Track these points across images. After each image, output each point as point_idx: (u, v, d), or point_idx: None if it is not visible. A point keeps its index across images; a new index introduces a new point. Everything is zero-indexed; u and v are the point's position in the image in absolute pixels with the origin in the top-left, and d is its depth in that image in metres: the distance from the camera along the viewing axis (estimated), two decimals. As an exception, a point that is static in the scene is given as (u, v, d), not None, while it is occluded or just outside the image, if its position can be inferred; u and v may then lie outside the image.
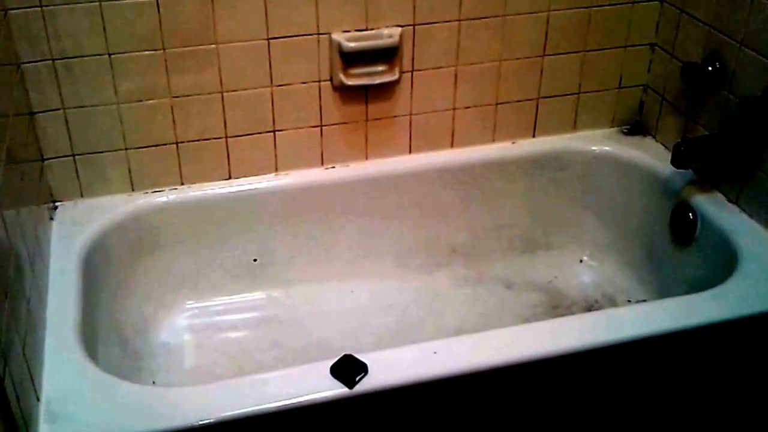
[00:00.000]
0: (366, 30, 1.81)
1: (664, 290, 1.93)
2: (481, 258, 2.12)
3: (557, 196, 2.11)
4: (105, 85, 1.71)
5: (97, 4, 1.63)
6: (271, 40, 1.77)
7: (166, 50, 1.71)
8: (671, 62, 1.96)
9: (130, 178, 1.83)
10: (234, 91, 1.80)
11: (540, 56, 1.96)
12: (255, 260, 1.98)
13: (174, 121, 1.79)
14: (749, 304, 1.54)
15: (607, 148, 2.07)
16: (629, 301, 2.01)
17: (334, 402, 1.33)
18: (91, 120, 1.74)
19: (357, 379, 1.34)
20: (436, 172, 2.01)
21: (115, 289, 1.78)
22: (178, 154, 1.84)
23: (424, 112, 1.95)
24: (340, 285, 2.04)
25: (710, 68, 1.80)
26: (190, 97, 1.78)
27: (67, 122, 1.73)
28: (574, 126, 2.09)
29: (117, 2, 1.64)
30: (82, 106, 1.72)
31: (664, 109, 2.03)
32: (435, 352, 1.41)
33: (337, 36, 1.79)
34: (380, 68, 1.86)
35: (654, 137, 2.08)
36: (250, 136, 1.86)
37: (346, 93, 1.87)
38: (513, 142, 2.06)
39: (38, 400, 1.30)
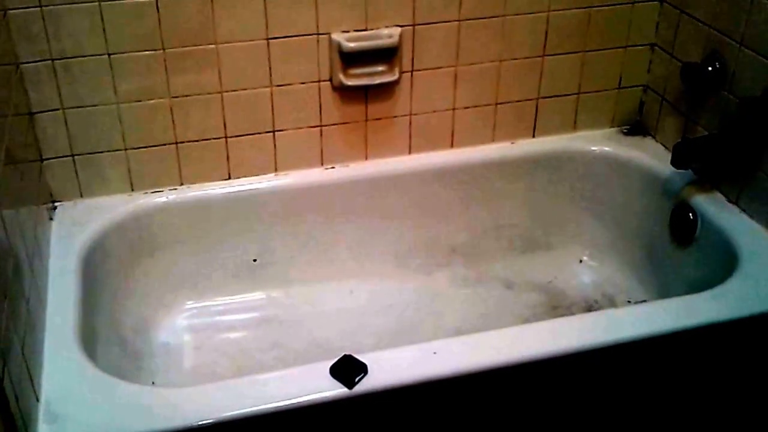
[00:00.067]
0: (366, 30, 1.81)
1: (664, 290, 1.92)
2: (480, 258, 2.12)
3: (557, 196, 2.11)
4: (104, 85, 1.71)
5: (97, 4, 1.63)
6: (270, 40, 1.76)
7: (166, 50, 1.71)
8: (671, 62, 1.96)
9: (130, 178, 1.83)
10: (234, 91, 1.80)
11: (540, 56, 1.96)
12: (255, 260, 1.98)
13: (173, 121, 1.79)
14: (749, 304, 1.54)
15: (607, 148, 2.07)
16: (629, 301, 2.01)
17: (333, 402, 1.33)
18: (91, 120, 1.74)
19: (356, 379, 1.34)
20: (435, 172, 2.01)
21: (114, 289, 1.77)
22: (178, 154, 1.83)
23: (423, 112, 1.95)
24: (340, 285, 2.04)
25: (710, 68, 1.80)
26: (189, 97, 1.78)
27: (66, 122, 1.72)
28: (574, 126, 2.09)
29: (116, 2, 1.64)
30: (81, 106, 1.72)
31: (664, 110, 2.03)
32: (435, 353, 1.41)
33: (337, 36, 1.79)
34: (380, 68, 1.86)
35: (654, 137, 2.08)
36: (249, 136, 1.86)
37: (346, 93, 1.87)
38: (513, 143, 2.06)
39: (38, 400, 1.30)
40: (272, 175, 1.92)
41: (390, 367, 1.38)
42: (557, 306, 2.03)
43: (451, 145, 2.02)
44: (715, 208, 1.81)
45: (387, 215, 2.02)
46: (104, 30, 1.65)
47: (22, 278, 1.35)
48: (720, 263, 1.70)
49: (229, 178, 1.90)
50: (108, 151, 1.79)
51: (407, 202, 2.02)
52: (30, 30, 1.61)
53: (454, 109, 1.97)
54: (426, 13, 1.83)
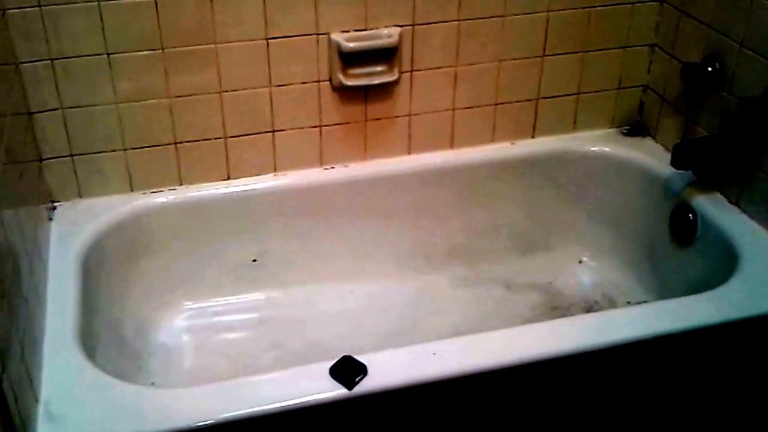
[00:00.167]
0: (365, 30, 1.81)
1: (664, 291, 1.92)
2: (480, 259, 2.12)
3: (557, 196, 2.11)
4: (104, 85, 1.71)
5: (96, 3, 1.63)
6: (270, 40, 1.76)
7: (165, 50, 1.71)
8: (671, 63, 1.96)
9: (129, 178, 1.83)
10: (233, 91, 1.79)
11: (539, 57, 1.96)
12: (254, 261, 1.98)
13: (173, 122, 1.79)
14: (750, 305, 1.54)
15: (606, 148, 2.07)
16: (629, 302, 2.01)
17: (333, 403, 1.33)
18: (90, 120, 1.74)
19: (356, 380, 1.34)
20: (435, 172, 2.01)
21: (113, 289, 1.77)
22: (177, 154, 1.83)
23: (423, 112, 1.95)
24: (340, 286, 2.03)
25: (710, 68, 1.80)
26: (188, 97, 1.77)
27: (65, 122, 1.72)
28: (574, 126, 2.09)
29: (115, 2, 1.64)
30: (80, 106, 1.72)
31: (663, 110, 2.03)
32: (434, 353, 1.41)
33: (336, 36, 1.79)
34: (379, 68, 1.85)
35: (654, 138, 2.08)
36: (248, 137, 1.86)
37: (346, 93, 1.87)
38: (512, 143, 2.06)
39: (37, 400, 1.30)
40: (271, 175, 1.92)
41: (389, 368, 1.38)
42: (557, 307, 2.03)
43: (451, 146, 2.02)
44: (715, 209, 1.81)
45: (386, 215, 2.02)
46: (103, 30, 1.65)
47: (21, 278, 1.35)
48: (720, 264, 1.70)
49: (229, 178, 1.90)
50: (107, 151, 1.78)
51: (407, 202, 2.02)
52: (29, 30, 1.61)
53: (453, 109, 1.97)
54: (426, 13, 1.82)
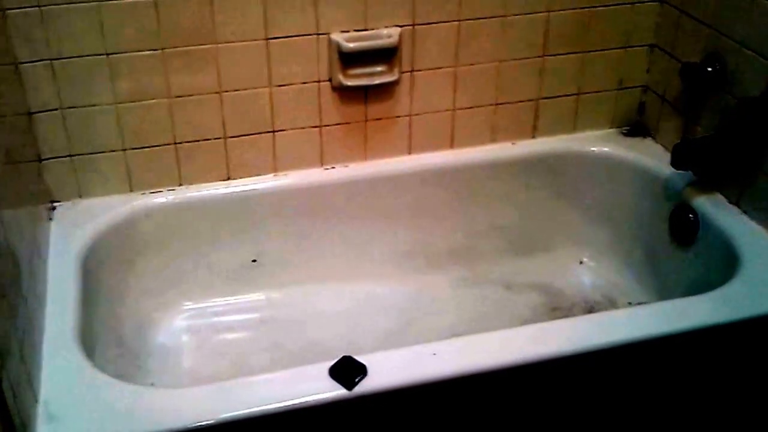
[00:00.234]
0: (365, 30, 1.81)
1: (664, 292, 1.92)
2: (480, 259, 2.12)
3: (557, 197, 2.10)
4: (103, 85, 1.71)
5: (95, 4, 1.63)
6: (269, 41, 1.76)
7: (165, 50, 1.71)
8: (671, 63, 1.96)
9: (129, 178, 1.83)
10: (233, 91, 1.79)
11: (540, 57, 1.95)
12: (254, 261, 1.98)
13: (172, 122, 1.79)
14: (750, 306, 1.53)
15: (606, 149, 2.07)
16: (629, 303, 2.00)
17: (332, 404, 1.33)
18: (90, 120, 1.74)
19: (356, 380, 1.33)
20: (435, 172, 2.01)
21: (113, 289, 1.77)
22: (177, 154, 1.83)
23: (423, 112, 1.95)
24: (339, 286, 2.03)
25: (710, 69, 1.80)
26: (188, 98, 1.77)
27: (65, 122, 1.72)
28: (574, 127, 2.08)
29: (115, 2, 1.64)
30: (80, 106, 1.72)
31: (663, 110, 2.02)
32: (434, 354, 1.41)
33: (336, 36, 1.79)
34: (379, 68, 1.85)
35: (654, 138, 2.08)
36: (248, 137, 1.86)
37: (346, 93, 1.87)
38: (513, 143, 2.06)
39: (36, 400, 1.30)
40: (271, 175, 1.92)
41: (389, 369, 1.37)
42: (557, 307, 2.03)
43: (451, 146, 2.02)
44: (716, 210, 1.80)
45: (387, 216, 2.02)
46: (102, 30, 1.65)
47: (21, 278, 1.35)
48: (721, 265, 1.70)
49: (229, 178, 1.90)
50: (107, 151, 1.78)
51: (407, 202, 2.02)
52: (28, 30, 1.61)
53: (453, 109, 1.97)
54: (426, 13, 1.82)
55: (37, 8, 1.59)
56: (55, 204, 1.80)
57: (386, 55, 1.84)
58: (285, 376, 1.37)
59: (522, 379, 1.46)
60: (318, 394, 1.33)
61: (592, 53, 1.99)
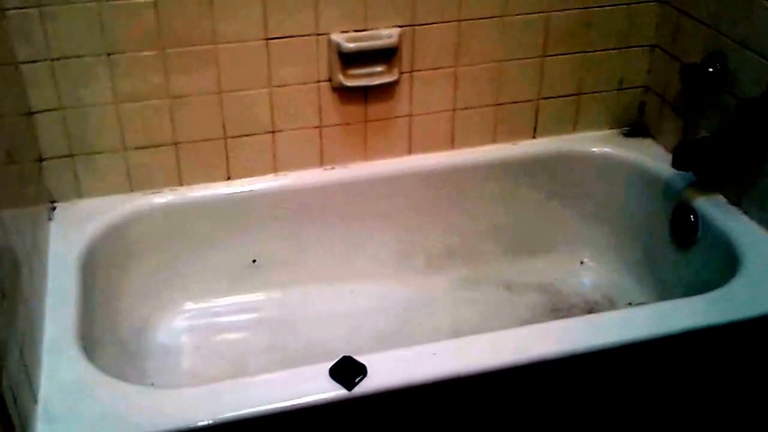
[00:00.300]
0: (365, 30, 1.81)
1: (664, 293, 1.92)
2: (480, 259, 2.12)
3: (557, 197, 2.10)
4: (103, 86, 1.71)
5: (95, 4, 1.63)
6: (269, 41, 1.76)
7: (165, 50, 1.71)
8: (671, 63, 1.96)
9: (129, 178, 1.83)
10: (232, 91, 1.79)
11: (540, 57, 1.95)
12: (254, 261, 1.97)
13: (172, 122, 1.79)
14: (751, 306, 1.53)
15: (607, 149, 2.06)
16: (630, 303, 2.00)
17: (332, 404, 1.33)
18: (90, 120, 1.73)
19: (356, 380, 1.33)
20: (435, 173, 2.01)
21: (113, 289, 1.77)
22: (177, 154, 1.83)
23: (423, 113, 1.95)
24: (339, 286, 2.03)
25: (710, 69, 1.80)
26: (188, 98, 1.77)
27: (65, 122, 1.72)
28: (574, 127, 2.08)
29: (115, 2, 1.64)
30: (80, 106, 1.72)
31: (664, 111, 2.02)
32: (434, 354, 1.41)
33: (336, 36, 1.79)
34: (379, 69, 1.85)
35: (654, 138, 2.08)
36: (248, 137, 1.86)
37: (345, 94, 1.87)
38: (513, 144, 2.05)
39: (35, 401, 1.30)
40: (271, 176, 1.92)
41: (389, 369, 1.37)
42: (557, 308, 2.03)
43: (451, 146, 2.02)
44: (716, 210, 1.80)
45: (386, 216, 2.01)
46: (103, 30, 1.65)
47: (21, 278, 1.35)
48: (721, 265, 1.70)
49: (229, 178, 1.89)
50: (107, 151, 1.78)
51: (407, 203, 2.02)
52: (29, 30, 1.61)
53: (454, 109, 1.97)
54: (425, 13, 1.82)
55: (37, 8, 1.59)
56: (55, 204, 1.80)
57: (386, 56, 1.84)
58: (285, 377, 1.37)
59: (522, 379, 1.46)
60: (318, 394, 1.33)
61: (592, 53, 1.99)
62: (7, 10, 1.58)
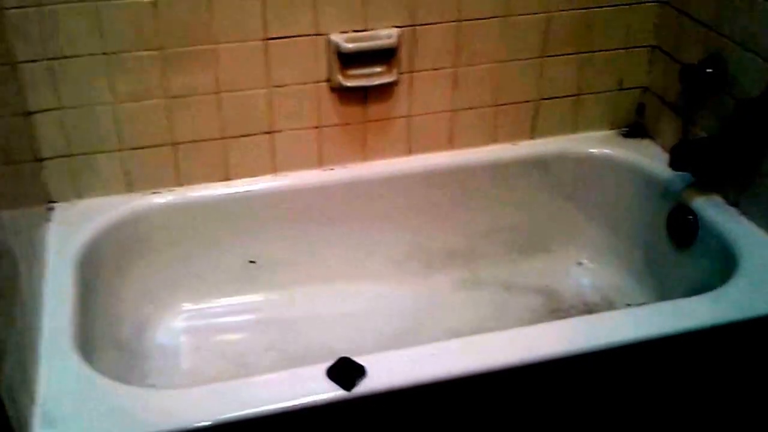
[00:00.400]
0: (364, 31, 1.81)
1: (663, 293, 1.92)
2: (479, 260, 2.12)
3: (556, 198, 2.10)
4: (102, 86, 1.70)
5: (94, 3, 1.62)
6: (268, 41, 1.76)
7: (163, 50, 1.70)
8: (671, 64, 1.96)
9: (127, 179, 1.82)
10: (231, 91, 1.79)
11: (539, 57, 1.95)
12: (252, 262, 1.97)
13: (171, 122, 1.79)
14: (749, 307, 1.53)
15: (606, 150, 2.06)
16: (628, 304, 2.00)
17: (331, 405, 1.33)
18: (88, 120, 1.73)
19: (355, 381, 1.33)
20: (434, 174, 2.01)
21: (111, 290, 1.77)
22: (176, 155, 1.83)
23: (422, 113, 1.95)
24: (338, 287, 2.03)
25: (709, 70, 1.80)
26: (187, 98, 1.77)
27: (63, 122, 1.72)
28: (573, 128, 2.08)
29: (113, 2, 1.63)
30: (78, 107, 1.71)
31: (663, 111, 2.02)
32: (433, 355, 1.41)
33: (335, 37, 1.78)
34: (378, 69, 1.85)
35: (653, 139, 2.08)
36: (247, 138, 1.85)
37: (345, 94, 1.87)
38: (512, 144, 2.05)
39: (33, 402, 1.30)
40: (270, 176, 1.91)
41: (388, 370, 1.37)
42: (556, 309, 2.03)
43: (450, 147, 2.01)
44: (715, 211, 1.80)
45: (386, 217, 2.01)
46: (101, 29, 1.65)
47: (18, 279, 1.35)
48: (719, 266, 1.70)
49: (227, 179, 1.89)
50: (105, 151, 1.78)
51: (406, 203, 2.01)
52: (27, 29, 1.60)
53: (453, 110, 1.96)
54: (425, 13, 1.82)
55: (35, 8, 1.59)
56: (53, 204, 1.80)
57: (385, 56, 1.84)
58: (284, 377, 1.37)
59: (520, 380, 1.46)
60: (316, 395, 1.32)
61: (591, 54, 1.98)
62: (6, 9, 1.57)
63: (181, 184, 1.86)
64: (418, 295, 2.05)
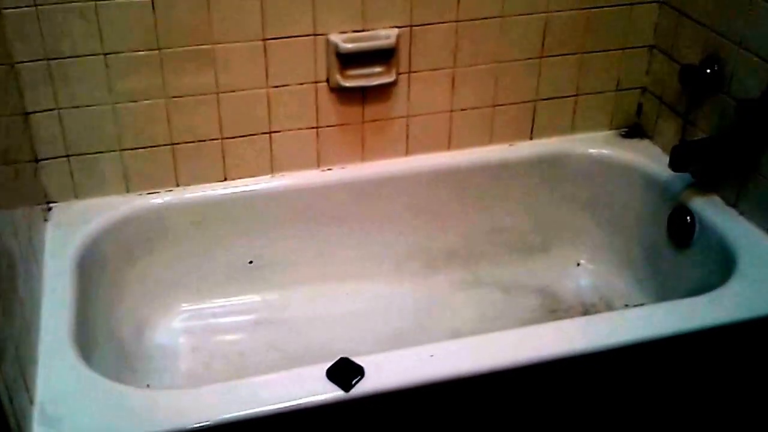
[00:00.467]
0: (363, 31, 1.81)
1: (662, 294, 1.92)
2: (478, 261, 2.11)
3: (555, 198, 2.10)
4: (100, 86, 1.70)
5: (93, 3, 1.62)
6: (267, 41, 1.76)
7: (162, 51, 1.70)
8: (670, 64, 1.96)
9: (126, 179, 1.82)
10: (230, 92, 1.79)
11: (538, 58, 1.95)
12: (251, 262, 1.97)
13: (170, 122, 1.78)
14: (747, 307, 1.54)
15: (604, 150, 2.06)
16: (627, 304, 2.00)
17: (330, 405, 1.33)
18: (87, 120, 1.73)
19: (353, 382, 1.33)
20: (433, 174, 2.00)
21: (110, 291, 1.77)
22: (174, 155, 1.83)
23: (421, 113, 1.95)
24: (337, 288, 2.03)
25: (708, 70, 1.80)
26: (185, 98, 1.77)
27: (62, 123, 1.71)
28: (572, 128, 2.08)
29: (112, 2, 1.63)
30: (77, 107, 1.71)
31: (662, 112, 2.02)
32: (431, 355, 1.41)
33: (334, 37, 1.78)
34: (377, 69, 1.85)
35: (652, 140, 2.08)
36: (246, 138, 1.85)
37: (343, 94, 1.87)
38: (511, 145, 2.05)
39: (32, 402, 1.29)
40: (269, 176, 1.91)
41: (387, 370, 1.37)
42: (555, 309, 2.03)
43: (449, 147, 2.01)
44: (713, 211, 1.80)
45: (384, 217, 2.01)
46: (100, 30, 1.65)
47: (17, 279, 1.34)
48: (718, 266, 1.70)
49: (226, 179, 1.89)
50: (104, 151, 1.78)
51: (405, 204, 2.01)
52: (25, 30, 1.60)
53: (451, 110, 1.96)
54: (424, 14, 1.82)
55: (33, 8, 1.59)
56: (52, 205, 1.80)
57: (384, 56, 1.84)
58: (282, 378, 1.37)
59: (520, 380, 1.46)
60: (315, 395, 1.32)
61: (590, 54, 1.98)
62: (4, 9, 1.57)
63: (179, 185, 1.86)
64: (417, 295, 2.04)
